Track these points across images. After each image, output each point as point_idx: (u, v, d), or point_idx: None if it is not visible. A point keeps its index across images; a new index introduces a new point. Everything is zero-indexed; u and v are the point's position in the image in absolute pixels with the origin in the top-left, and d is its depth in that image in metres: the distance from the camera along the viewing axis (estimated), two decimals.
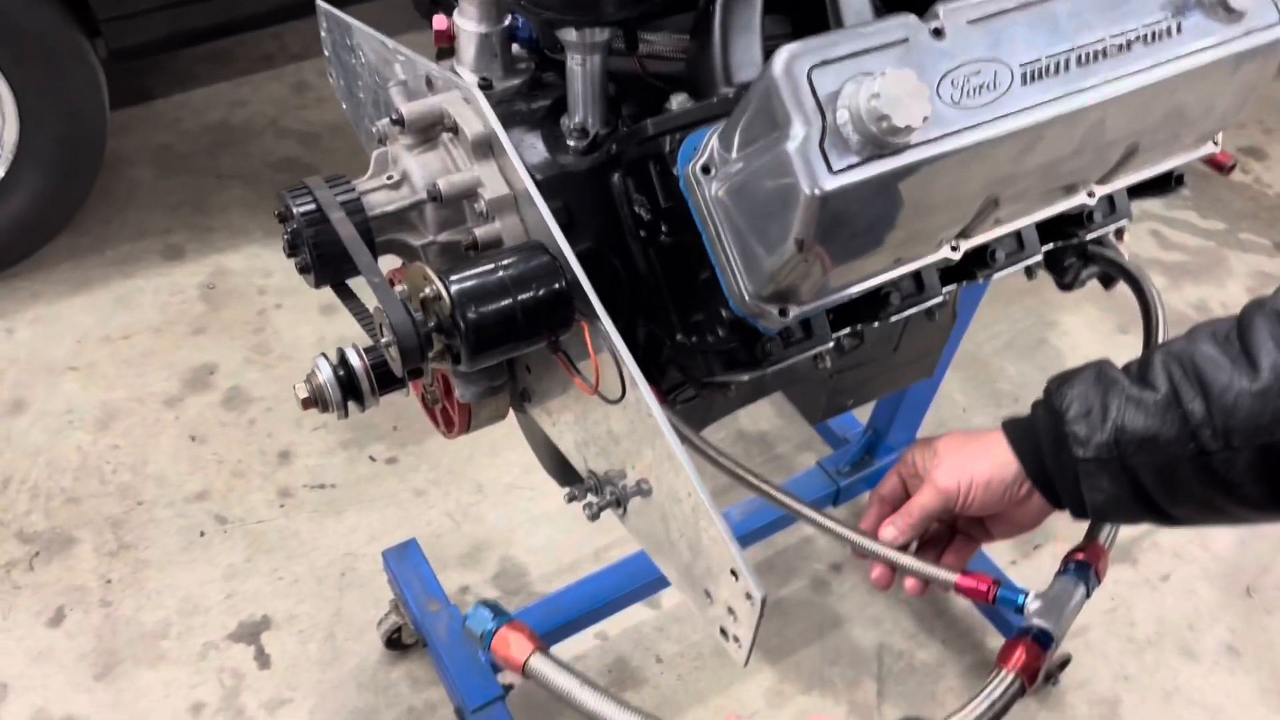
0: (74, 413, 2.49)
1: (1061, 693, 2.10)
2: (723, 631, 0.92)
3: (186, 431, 2.47)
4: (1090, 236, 1.16)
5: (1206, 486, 0.86)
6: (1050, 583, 0.99)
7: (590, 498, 1.04)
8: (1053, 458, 0.92)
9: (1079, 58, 0.88)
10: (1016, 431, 0.96)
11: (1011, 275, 1.13)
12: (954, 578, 0.96)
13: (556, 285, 0.89)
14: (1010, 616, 2.05)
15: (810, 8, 1.00)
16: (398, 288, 0.91)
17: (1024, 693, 0.91)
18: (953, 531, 1.05)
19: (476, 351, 0.88)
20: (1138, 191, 1.16)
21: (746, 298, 0.90)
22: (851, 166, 0.79)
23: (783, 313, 0.92)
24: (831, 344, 1.03)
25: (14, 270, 2.80)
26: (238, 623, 2.11)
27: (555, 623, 1.87)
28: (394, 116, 0.99)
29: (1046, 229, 1.13)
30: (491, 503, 2.37)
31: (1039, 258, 1.13)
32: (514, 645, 0.99)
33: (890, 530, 1.00)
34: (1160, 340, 1.17)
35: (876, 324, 1.04)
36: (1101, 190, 1.07)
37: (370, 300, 0.94)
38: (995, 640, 2.16)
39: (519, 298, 0.88)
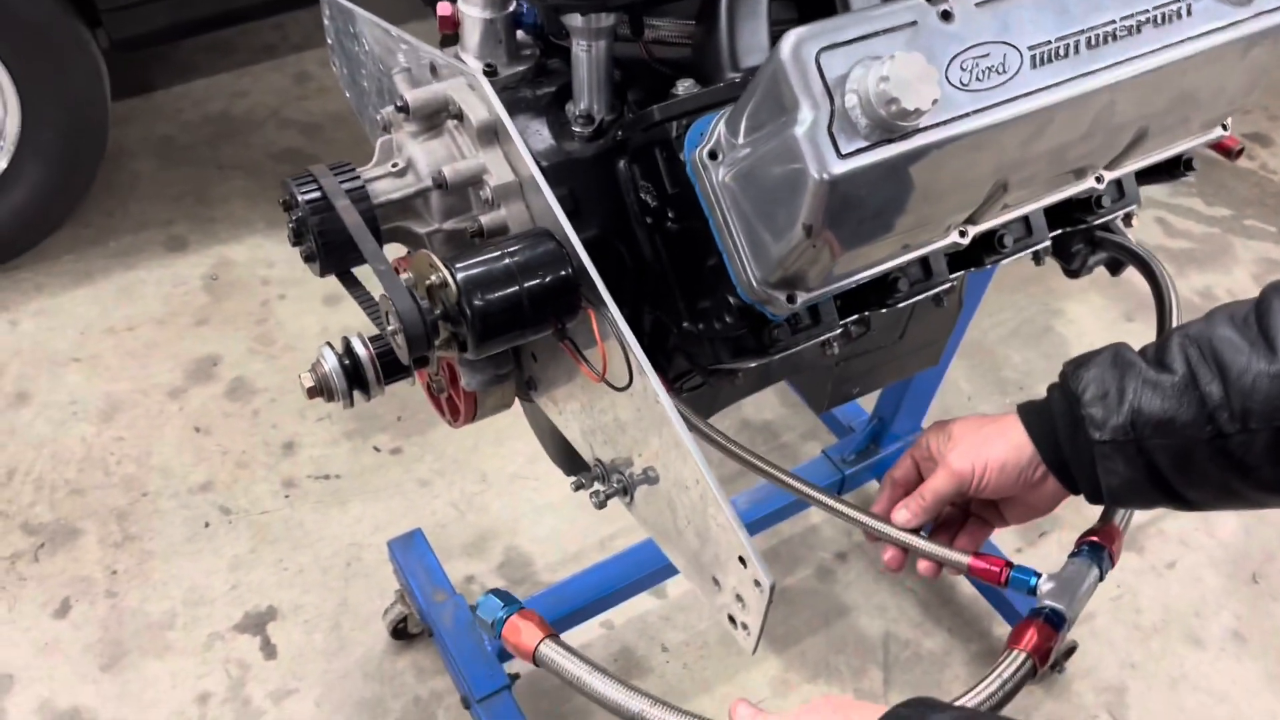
0: (78, 404, 2.49)
1: (1068, 680, 2.10)
2: (731, 619, 0.92)
3: (191, 423, 2.47)
4: (1099, 222, 1.16)
5: (1223, 469, 0.86)
6: (1063, 564, 0.99)
7: (597, 486, 1.04)
8: (1068, 440, 0.92)
9: (1089, 40, 0.87)
10: (1032, 414, 0.96)
11: (1018, 262, 1.12)
12: (967, 560, 0.96)
13: (563, 272, 0.88)
14: (1016, 604, 2.05)
15: None
16: (403, 276, 0.91)
17: (1035, 674, 0.91)
18: (965, 515, 1.05)
19: (483, 339, 0.88)
20: (1146, 176, 1.16)
21: (754, 284, 0.90)
22: (860, 150, 0.78)
23: (790, 299, 0.91)
24: (839, 330, 1.02)
25: (17, 262, 2.80)
26: (243, 613, 2.12)
27: (561, 612, 1.87)
28: (399, 103, 0.98)
29: (1054, 214, 1.12)
30: (496, 492, 2.37)
31: (1047, 243, 1.12)
32: (524, 632, 1.00)
33: (903, 513, 1.00)
34: (1174, 324, 1.17)
35: (884, 310, 1.04)
36: (1110, 175, 1.07)
37: (375, 289, 0.93)
38: (1001, 628, 2.16)
39: (525, 285, 0.87)
